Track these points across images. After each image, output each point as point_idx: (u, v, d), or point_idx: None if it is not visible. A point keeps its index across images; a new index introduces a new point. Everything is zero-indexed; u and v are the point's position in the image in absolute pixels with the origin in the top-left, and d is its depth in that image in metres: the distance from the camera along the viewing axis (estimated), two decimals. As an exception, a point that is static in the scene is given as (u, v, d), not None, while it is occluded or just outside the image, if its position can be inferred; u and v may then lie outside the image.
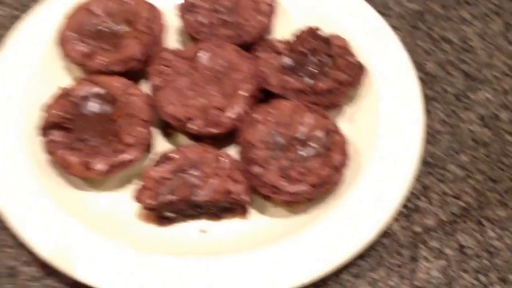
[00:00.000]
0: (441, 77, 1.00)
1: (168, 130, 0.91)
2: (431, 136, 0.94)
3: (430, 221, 0.87)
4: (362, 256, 0.83)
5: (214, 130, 0.84)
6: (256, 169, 0.80)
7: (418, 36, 1.05)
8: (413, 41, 1.04)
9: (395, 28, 1.03)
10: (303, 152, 0.83)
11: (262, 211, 0.85)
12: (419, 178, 0.90)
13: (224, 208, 0.83)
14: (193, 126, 0.84)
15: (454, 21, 1.07)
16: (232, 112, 0.85)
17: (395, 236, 0.85)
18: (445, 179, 0.90)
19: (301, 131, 0.84)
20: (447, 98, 0.98)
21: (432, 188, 0.89)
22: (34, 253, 0.79)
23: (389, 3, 1.09)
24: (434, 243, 0.85)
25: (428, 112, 0.96)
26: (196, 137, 0.88)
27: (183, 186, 0.80)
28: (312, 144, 0.84)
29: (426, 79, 0.99)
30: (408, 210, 0.88)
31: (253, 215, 0.85)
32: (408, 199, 0.88)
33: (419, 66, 1.00)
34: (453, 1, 1.10)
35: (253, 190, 0.83)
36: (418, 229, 0.86)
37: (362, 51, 0.95)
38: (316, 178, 0.80)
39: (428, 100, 0.97)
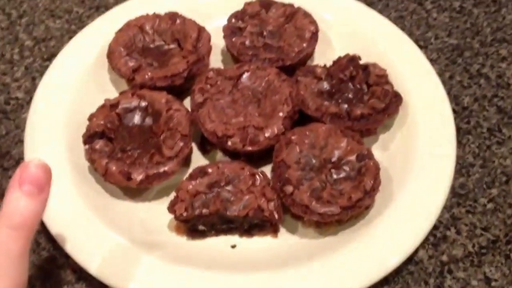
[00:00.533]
0: (476, 111, 1.01)
1: (206, 146, 0.94)
2: (463, 168, 0.95)
3: (457, 252, 0.87)
4: (388, 282, 0.84)
5: (251, 148, 0.87)
6: (289, 189, 0.82)
7: (456, 71, 1.07)
8: (450, 74, 1.06)
9: (433, 61, 1.05)
10: (336, 175, 0.85)
11: (292, 230, 0.87)
12: (448, 208, 0.91)
13: (255, 224, 0.85)
14: (231, 144, 0.87)
15: (492, 58, 1.09)
16: (270, 132, 0.88)
17: (422, 264, 0.86)
18: (474, 211, 0.91)
19: (335, 154, 0.87)
20: (481, 132, 0.99)
21: (461, 219, 0.90)
22: (68, 257, 0.82)
23: (428, 37, 1.11)
24: (460, 274, 0.86)
25: (461, 144, 0.97)
26: (233, 154, 0.91)
27: (216, 200, 0.83)
28: (345, 167, 0.86)
29: (461, 112, 1.01)
30: (436, 239, 0.89)
31: (283, 234, 0.87)
32: (437, 228, 0.89)
33: (455, 99, 1.02)
34: (492, 38, 1.12)
35: (285, 209, 0.85)
36: (445, 258, 0.87)
37: (399, 81, 0.97)
38: (346, 201, 0.81)
39: (462, 133, 0.98)
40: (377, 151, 0.92)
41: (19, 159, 0.95)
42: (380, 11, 1.12)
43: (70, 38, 1.09)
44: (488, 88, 1.05)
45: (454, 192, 0.93)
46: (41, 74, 1.04)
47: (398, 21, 1.13)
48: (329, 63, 0.99)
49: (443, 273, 0.86)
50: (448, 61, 1.08)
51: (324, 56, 1.04)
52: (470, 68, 1.08)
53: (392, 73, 0.97)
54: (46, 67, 1.04)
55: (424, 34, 1.12)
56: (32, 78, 1.05)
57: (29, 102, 1.01)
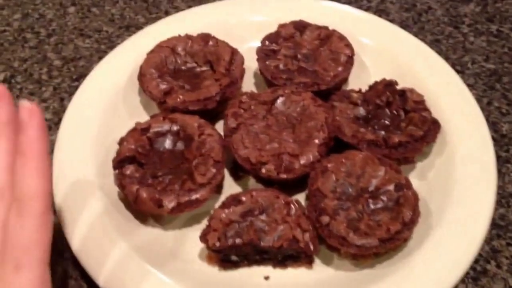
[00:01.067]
0: (516, 139, 0.98)
1: (239, 172, 0.92)
2: (503, 198, 0.92)
3: (498, 286, 0.84)
4: (426, 317, 0.81)
5: (286, 176, 0.85)
6: (325, 219, 0.80)
7: (494, 96, 1.04)
8: (488, 100, 1.03)
9: (470, 86, 1.02)
10: (373, 205, 0.83)
11: (327, 262, 0.84)
12: (488, 241, 0.88)
13: (289, 255, 0.82)
14: (265, 171, 0.84)
15: (531, 84, 1.06)
16: (305, 159, 0.85)
17: (461, 299, 0.83)
18: (515, 244, 0.88)
19: (372, 183, 0.84)
20: (521, 161, 0.96)
21: (501, 251, 0.87)
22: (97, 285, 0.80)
23: (465, 61, 1.09)
24: (501, 310, 0.83)
25: (501, 173, 0.94)
26: (267, 181, 0.89)
27: (250, 230, 0.80)
28: (382, 197, 0.83)
29: (500, 140, 0.98)
30: (476, 273, 0.85)
31: (318, 266, 0.84)
32: (477, 262, 0.86)
33: (493, 127, 0.99)
34: (531, 63, 1.09)
35: (320, 240, 0.82)
36: (485, 293, 0.84)
37: (437, 107, 0.94)
38: (385, 233, 0.79)
39: (501, 161, 0.95)
40: (415, 180, 0.89)
41: (47, 182, 0.92)
42: (416, 34, 1.10)
43: (100, 58, 1.08)
44: (527, 115, 1.02)
45: (494, 224, 0.89)
46: (70, 94, 1.03)
47: (434, 44, 1.11)
48: (364, 87, 0.97)
49: (484, 309, 0.83)
50: (486, 87, 1.05)
51: (359, 79, 1.01)
52: (509, 94, 1.05)
53: (430, 98, 0.95)
54: (75, 87, 1.03)
55: (461, 58, 1.09)
56: (61, 99, 1.03)
57: (57, 124, 0.99)
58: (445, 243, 0.82)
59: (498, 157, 0.95)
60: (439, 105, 0.95)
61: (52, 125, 1.00)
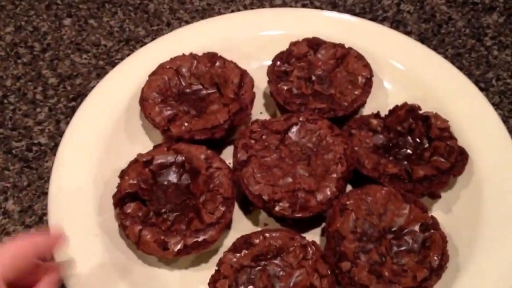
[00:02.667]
0: (546, 164, 0.91)
1: (249, 206, 0.85)
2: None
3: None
4: None
5: (301, 215, 0.78)
6: (346, 266, 0.73)
7: (521, 117, 0.97)
8: (514, 121, 0.96)
9: (495, 106, 0.96)
10: (397, 247, 0.76)
11: (346, 306, 0.77)
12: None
13: (305, 301, 0.76)
14: (279, 209, 0.78)
15: (559, 101, 0.99)
16: (322, 196, 0.79)
17: None
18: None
19: (396, 223, 0.77)
20: (552, 189, 0.89)
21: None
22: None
23: (489, 78, 1.01)
24: None
25: (531, 203, 0.87)
26: (279, 218, 0.82)
27: (263, 276, 0.74)
28: (407, 239, 0.76)
29: (529, 167, 0.91)
30: (506, 317, 0.79)
31: (336, 311, 0.77)
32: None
33: (522, 151, 0.92)
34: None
35: (339, 283, 0.75)
36: None
37: (462, 133, 0.88)
38: (412, 280, 0.72)
39: (531, 190, 0.88)
40: (438, 212, 0.83)
41: (42, 215, 0.86)
42: (435, 48, 1.03)
43: (98, 75, 1.01)
44: (557, 137, 0.95)
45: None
46: (66, 116, 0.96)
47: (456, 59, 1.04)
48: (382, 109, 0.90)
49: None
50: (511, 105, 0.98)
51: (376, 101, 0.94)
52: (537, 114, 0.98)
53: (454, 123, 0.88)
54: (72, 108, 0.96)
55: (485, 74, 1.02)
56: (57, 121, 0.96)
57: (53, 149, 0.93)
58: (473, 286, 0.76)
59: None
60: (464, 131, 0.89)
61: (48, 150, 0.93)
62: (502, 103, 0.98)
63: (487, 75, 1.02)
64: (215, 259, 0.79)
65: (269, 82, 0.90)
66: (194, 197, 0.81)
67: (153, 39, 1.03)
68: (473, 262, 0.78)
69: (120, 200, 0.79)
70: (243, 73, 0.90)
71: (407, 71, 0.96)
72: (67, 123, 0.92)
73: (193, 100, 0.90)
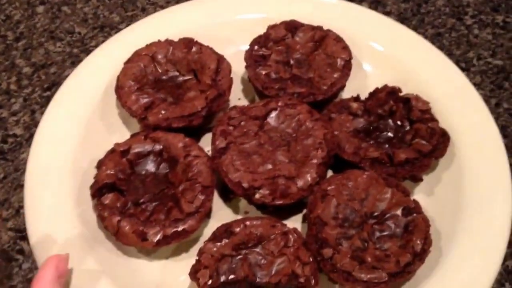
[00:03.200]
0: (529, 144, 0.91)
1: (229, 194, 0.83)
2: (516, 213, 0.84)
3: (515, 313, 0.77)
4: None
5: (282, 202, 0.77)
6: (328, 252, 0.72)
7: (503, 97, 0.96)
8: (496, 101, 0.95)
9: (477, 85, 0.95)
10: (379, 232, 0.75)
11: (329, 293, 0.77)
12: (502, 261, 0.80)
13: (288, 288, 0.75)
14: (259, 196, 0.76)
15: (542, 81, 0.98)
16: (302, 182, 0.77)
17: (476, 329, 0.76)
18: (532, 264, 0.81)
19: (378, 208, 0.76)
20: (536, 169, 0.88)
21: (517, 272, 0.80)
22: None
23: (470, 57, 1.00)
24: None
25: (514, 185, 0.86)
26: (260, 205, 0.80)
27: (244, 265, 0.73)
28: (389, 223, 0.75)
29: (511, 147, 0.90)
30: (491, 298, 0.78)
31: (319, 297, 0.76)
32: (490, 285, 0.79)
33: (503, 131, 0.92)
34: (541, 57, 1.01)
35: (321, 270, 0.74)
36: (502, 321, 0.77)
37: (443, 114, 0.86)
38: (395, 265, 0.71)
39: (514, 171, 0.87)
40: (421, 196, 0.82)
41: (19, 208, 0.85)
42: (415, 28, 1.02)
43: (73, 63, 0.99)
44: (539, 117, 0.94)
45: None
46: (41, 106, 0.94)
47: (436, 39, 1.03)
48: (362, 93, 0.88)
49: None
50: (494, 86, 0.98)
51: (356, 85, 0.92)
52: (519, 94, 0.97)
53: (435, 104, 0.87)
54: (47, 98, 0.94)
55: (465, 54, 1.01)
56: (32, 111, 0.94)
57: (28, 140, 0.91)
58: (457, 270, 0.75)
59: (510, 166, 0.87)
60: (445, 112, 0.88)
61: (23, 141, 0.92)
62: (484, 82, 0.97)
63: (468, 55, 1.01)
64: (196, 248, 0.78)
65: (246, 67, 0.89)
66: (173, 186, 0.79)
67: (128, 25, 1.01)
68: (456, 246, 0.77)
69: (98, 191, 0.78)
70: (220, 59, 0.88)
71: (386, 53, 0.95)
72: (43, 113, 0.90)
73: (170, 87, 0.88)
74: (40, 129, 0.86)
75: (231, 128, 0.81)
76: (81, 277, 0.75)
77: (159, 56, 0.89)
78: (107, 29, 1.05)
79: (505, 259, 0.81)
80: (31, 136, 0.89)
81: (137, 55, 0.89)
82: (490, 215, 0.78)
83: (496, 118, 0.91)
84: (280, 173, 0.78)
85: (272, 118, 0.83)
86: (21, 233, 0.83)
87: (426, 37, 0.99)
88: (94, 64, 0.93)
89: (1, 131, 0.92)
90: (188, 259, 0.77)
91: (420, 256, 0.73)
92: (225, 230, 0.75)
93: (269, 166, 0.78)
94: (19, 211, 0.85)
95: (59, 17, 1.07)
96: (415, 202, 0.77)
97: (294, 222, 0.80)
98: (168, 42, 0.91)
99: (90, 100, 0.90)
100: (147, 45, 0.90)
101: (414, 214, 0.75)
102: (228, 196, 0.84)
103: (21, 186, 0.87)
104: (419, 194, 0.82)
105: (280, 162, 0.79)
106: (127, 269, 0.78)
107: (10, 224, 0.84)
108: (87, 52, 0.99)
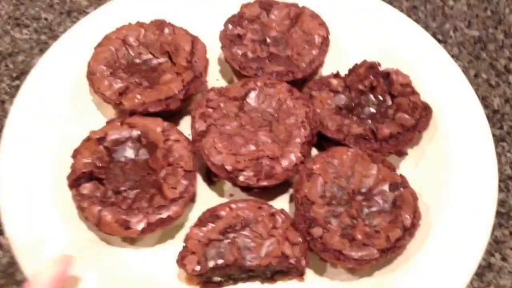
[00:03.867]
0: (508, 114, 0.90)
1: (212, 177, 0.82)
2: (500, 182, 0.85)
3: (506, 282, 0.78)
4: (433, 325, 0.73)
5: (267, 183, 0.75)
6: (318, 231, 0.71)
7: (481, 67, 0.95)
8: (475, 72, 0.94)
9: (455, 57, 0.94)
10: (367, 209, 0.74)
11: (320, 272, 0.76)
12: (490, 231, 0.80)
13: (278, 271, 0.73)
14: (243, 179, 0.75)
15: (519, 50, 0.98)
16: (287, 162, 0.76)
17: (468, 300, 0.76)
18: (519, 233, 0.81)
19: (365, 184, 0.75)
20: (517, 138, 0.88)
21: (505, 242, 0.80)
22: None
23: (447, 29, 0.99)
24: (511, 308, 0.76)
25: (497, 154, 0.85)
26: (245, 187, 0.79)
27: (233, 249, 0.71)
28: (377, 199, 0.74)
29: (492, 116, 0.90)
30: (481, 268, 0.79)
31: (310, 276, 0.75)
32: (479, 256, 0.78)
33: (483, 102, 0.91)
34: (516, 27, 1.01)
35: (311, 250, 0.73)
36: (493, 291, 0.77)
37: (423, 88, 0.86)
38: (385, 241, 0.70)
39: (495, 140, 0.87)
40: (406, 171, 0.81)
41: (-7, 202, 0.81)
42: (390, 2, 1.00)
43: (41, 50, 0.96)
44: (518, 86, 0.94)
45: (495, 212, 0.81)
46: (11, 96, 0.91)
47: (412, 12, 1.02)
48: (341, 70, 0.87)
49: (493, 309, 0.76)
50: (471, 57, 0.97)
51: (334, 62, 0.91)
52: (496, 64, 0.96)
53: (414, 78, 0.85)
54: (16, 87, 0.91)
55: (442, 26, 1.00)
56: (1, 101, 0.91)
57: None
58: (448, 242, 0.75)
59: (492, 136, 0.87)
60: (425, 85, 0.87)
61: (-6, 133, 0.88)
62: (461, 54, 0.97)
63: (444, 27, 1.00)
64: (182, 234, 0.76)
65: (222, 47, 0.86)
66: (154, 173, 0.77)
67: (96, 9, 0.97)
68: (445, 218, 0.77)
69: (75, 181, 0.75)
70: (194, 39, 0.86)
71: (363, 28, 0.94)
72: (13, 103, 0.87)
73: (144, 71, 0.85)
74: (10, 120, 0.83)
75: (210, 110, 0.79)
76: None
77: (131, 39, 0.87)
78: (75, 14, 1.01)
79: (494, 230, 0.80)
80: (2, 128, 0.86)
81: (107, 38, 0.86)
82: (477, 185, 0.78)
83: (476, 89, 0.90)
84: (264, 153, 0.76)
85: (252, 98, 0.81)
86: (-3, 228, 0.80)
87: (402, 10, 0.97)
88: (62, 50, 0.89)
89: (-31, 123, 0.89)
90: (175, 246, 0.74)
91: (410, 230, 0.72)
92: (210, 215, 0.73)
93: (252, 147, 0.77)
94: (-7, 205, 0.82)
95: (23, 3, 1.03)
96: (402, 177, 0.76)
97: (281, 202, 0.79)
98: (139, 24, 0.88)
99: (61, 88, 0.87)
100: (117, 28, 0.88)
101: (401, 189, 0.74)
102: (212, 180, 0.82)
103: (-7, 179, 0.83)
104: (405, 169, 0.82)
105: (263, 142, 0.77)
106: (112, 259, 0.76)
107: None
108: (56, 38, 0.95)
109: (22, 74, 0.93)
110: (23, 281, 0.75)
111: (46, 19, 1.01)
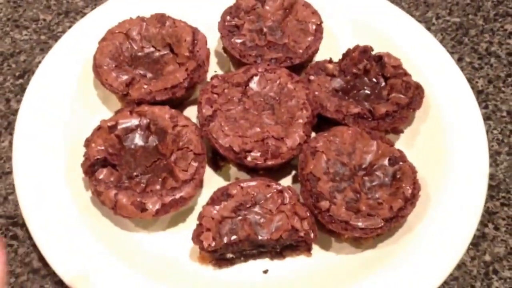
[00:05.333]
0: (492, 94, 0.96)
1: (218, 162, 0.85)
2: (490, 158, 0.89)
3: (500, 249, 0.82)
4: (435, 291, 0.78)
5: (273, 162, 0.79)
6: (325, 204, 0.74)
7: (464, 52, 1.00)
8: (459, 56, 0.99)
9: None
10: (369, 183, 0.78)
11: (326, 247, 0.80)
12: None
13: (287, 245, 0.77)
14: (251, 159, 0.78)
15: (498, 34, 1.03)
16: (291, 142, 0.80)
17: (465, 268, 0.81)
18: (510, 203, 0.85)
19: (366, 159, 0.79)
20: (501, 116, 0.94)
21: (497, 213, 0.85)
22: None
23: (429, 17, 1.05)
24: (506, 273, 0.80)
25: (484, 132, 0.91)
26: (251, 169, 0.83)
27: (245, 225, 0.75)
28: (378, 173, 0.79)
29: (477, 97, 0.95)
30: (475, 238, 0.83)
31: (317, 252, 0.79)
32: (474, 226, 0.83)
33: (470, 83, 0.95)
34: (495, 13, 1.06)
35: (317, 225, 0.77)
36: (488, 258, 0.81)
37: (414, 70, 0.90)
38: (388, 211, 0.74)
39: (482, 119, 0.91)
40: (401, 149, 0.84)
41: (7, 195, 0.84)
42: (376, -7, 1.04)
43: (42, 50, 0.99)
44: (500, 68, 0.99)
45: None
46: (16, 94, 0.94)
47: (395, 2, 1.06)
48: (334, 56, 0.91)
49: (489, 275, 0.81)
50: (454, 42, 1.02)
51: (328, 48, 0.95)
52: (478, 48, 1.01)
53: (405, 61, 0.90)
54: (20, 85, 0.94)
55: (424, 14, 1.06)
56: (6, 100, 0.93)
57: (7, 128, 0.91)
58: (446, 212, 0.79)
59: (479, 114, 0.92)
60: (415, 67, 0.91)
61: (2, 130, 0.91)
62: (445, 40, 1.02)
63: (427, 15, 1.05)
64: (192, 217, 0.80)
65: (222, 37, 0.90)
66: (165, 157, 0.80)
67: (93, 9, 1.00)
68: (442, 190, 0.81)
69: (90, 167, 0.78)
70: (195, 31, 0.90)
71: (353, 16, 0.99)
72: (18, 101, 0.90)
73: (148, 64, 0.89)
74: (21, 116, 0.85)
75: (215, 96, 0.83)
76: (82, 256, 0.75)
77: (133, 33, 0.90)
78: (72, 14, 1.04)
79: (486, 201, 0.85)
80: (9, 124, 0.89)
81: (110, 33, 0.90)
82: (469, 160, 0.83)
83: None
84: (269, 134, 0.80)
85: (254, 83, 0.85)
86: (13, 219, 0.83)
87: (386, 0, 1.01)
88: (66, 47, 0.92)
89: (-24, 121, 0.91)
90: (186, 229, 0.78)
91: (411, 201, 0.76)
92: (222, 194, 0.77)
93: (257, 129, 0.80)
94: (7, 198, 0.84)
95: (21, 5, 1.06)
96: (400, 152, 0.80)
97: (285, 184, 0.82)
98: (141, 18, 0.91)
99: (66, 83, 0.90)
100: (119, 23, 0.91)
101: (401, 163, 0.79)
102: (218, 165, 0.86)
103: (5, 174, 0.86)
104: (400, 148, 0.85)
105: (267, 124, 0.81)
106: (126, 243, 0.79)
107: (-1, 211, 0.84)
108: (55, 38, 0.98)
109: (25, 73, 0.96)
110: (40, 270, 0.78)
111: (44, 20, 1.04)
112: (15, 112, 0.89)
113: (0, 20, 1.04)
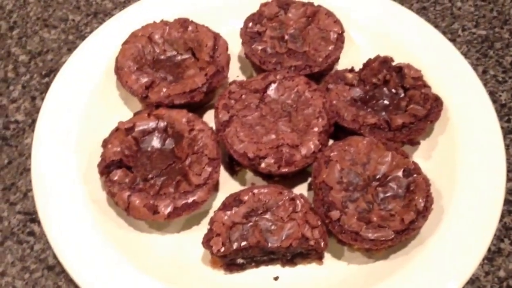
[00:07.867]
0: (516, 108, 0.95)
1: (234, 166, 0.86)
2: (509, 172, 0.88)
3: (515, 266, 0.81)
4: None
5: (287, 170, 0.79)
6: (336, 214, 0.75)
7: (488, 64, 0.99)
8: (483, 69, 0.99)
9: (464, 55, 0.98)
10: (383, 194, 0.78)
11: (338, 256, 0.80)
12: (500, 218, 0.83)
13: (298, 253, 0.77)
14: (265, 165, 0.79)
15: (524, 48, 1.02)
16: (306, 150, 0.80)
17: (479, 283, 0.80)
18: (527, 219, 0.85)
19: (380, 170, 0.79)
20: (524, 131, 0.92)
21: (514, 228, 0.84)
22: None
23: (455, 29, 1.04)
24: (520, 290, 0.79)
25: (505, 145, 0.89)
26: (265, 175, 0.83)
27: (256, 231, 0.75)
28: (391, 185, 0.78)
29: (500, 110, 0.94)
30: (491, 253, 0.82)
31: (328, 260, 0.80)
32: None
33: (492, 96, 0.95)
34: (522, 26, 1.05)
35: (329, 233, 0.77)
36: (502, 274, 0.81)
37: (434, 82, 0.90)
38: (400, 223, 0.74)
39: (504, 133, 0.91)
40: (419, 160, 0.85)
41: (27, 191, 0.86)
42: (401, 2, 1.04)
43: (69, 50, 1.01)
44: (525, 82, 0.98)
45: (504, 199, 0.85)
46: (41, 92, 0.96)
47: (421, 13, 1.06)
48: (356, 65, 0.91)
49: (502, 291, 0.80)
50: (479, 54, 1.01)
51: (349, 57, 0.95)
52: (503, 61, 1.00)
53: (426, 73, 0.90)
54: (46, 84, 0.96)
55: (450, 26, 1.05)
56: (32, 97, 0.95)
57: (31, 125, 0.92)
58: (460, 226, 0.78)
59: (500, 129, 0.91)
60: (435, 80, 0.91)
61: (26, 127, 0.93)
62: (470, 52, 1.01)
63: (453, 26, 1.04)
64: (206, 221, 0.80)
65: (243, 43, 0.91)
66: (180, 161, 0.81)
67: (121, 11, 1.02)
68: (456, 204, 0.80)
69: (106, 168, 0.79)
70: (216, 36, 0.91)
71: (376, 26, 0.98)
72: (43, 99, 0.92)
73: (169, 67, 0.90)
74: (42, 114, 0.88)
75: (232, 101, 0.84)
76: (94, 256, 0.77)
77: (156, 37, 0.91)
78: (101, 16, 1.06)
79: (503, 216, 0.84)
80: (34, 122, 0.91)
81: (133, 36, 0.91)
82: (486, 174, 0.82)
83: (484, 85, 0.94)
84: (284, 142, 0.80)
85: (272, 90, 0.85)
86: (31, 216, 0.85)
87: (412, 11, 1.01)
88: (90, 48, 0.94)
89: (2, 118, 0.93)
90: (200, 232, 0.78)
91: (423, 214, 0.76)
92: (234, 199, 0.77)
93: (273, 136, 0.81)
94: (26, 194, 0.86)
95: (51, 5, 1.08)
96: (415, 164, 0.80)
97: (300, 191, 0.82)
98: (164, 22, 0.93)
99: (89, 83, 0.92)
100: (143, 26, 0.92)
101: (415, 175, 0.78)
102: (234, 169, 0.86)
103: (26, 170, 0.88)
104: (417, 159, 0.85)
105: (283, 131, 0.81)
106: (140, 244, 0.80)
107: (18, 207, 0.85)
108: (83, 38, 1.00)
109: (51, 72, 0.98)
110: (55, 267, 0.79)
111: (73, 20, 1.06)
112: (39, 110, 0.90)
113: (30, 19, 1.06)
